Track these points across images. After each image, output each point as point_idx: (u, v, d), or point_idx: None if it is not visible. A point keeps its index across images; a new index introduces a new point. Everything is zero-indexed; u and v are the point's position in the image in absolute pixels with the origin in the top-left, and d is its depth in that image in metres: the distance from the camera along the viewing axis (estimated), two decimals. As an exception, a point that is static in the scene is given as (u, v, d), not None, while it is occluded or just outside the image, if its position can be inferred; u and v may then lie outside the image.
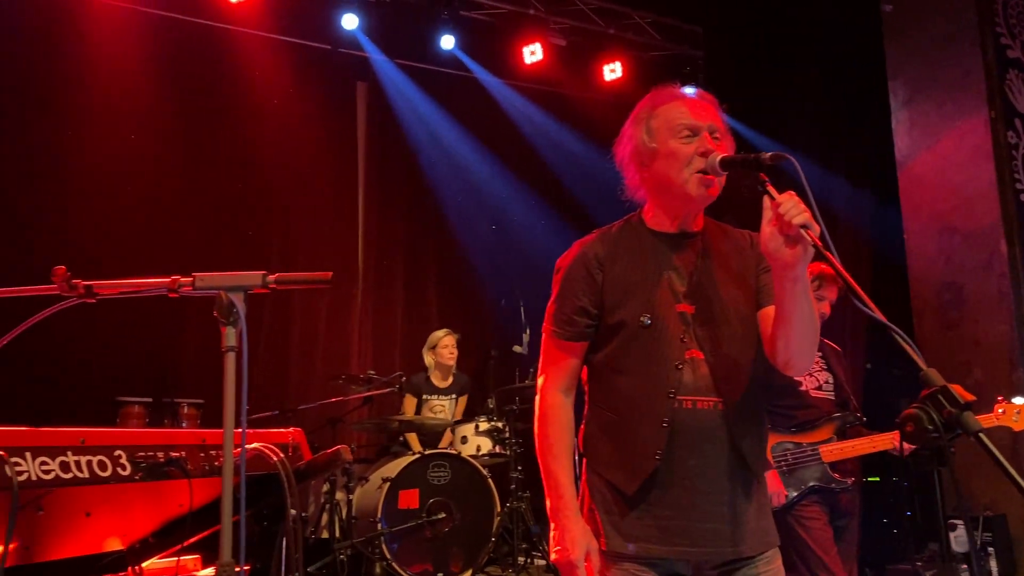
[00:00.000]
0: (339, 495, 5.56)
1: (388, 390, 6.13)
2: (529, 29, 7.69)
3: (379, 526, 5.22)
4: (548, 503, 2.24)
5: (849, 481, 3.81)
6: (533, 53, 7.67)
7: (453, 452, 5.69)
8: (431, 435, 6.29)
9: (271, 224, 7.11)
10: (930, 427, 1.54)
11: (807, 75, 7.20)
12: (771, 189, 1.98)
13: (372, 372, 6.10)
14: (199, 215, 6.60)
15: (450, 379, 6.61)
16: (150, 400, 5.77)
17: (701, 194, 2.18)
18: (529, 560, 5.90)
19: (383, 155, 7.75)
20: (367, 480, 5.60)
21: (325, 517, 5.65)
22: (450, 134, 7.68)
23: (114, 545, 1.76)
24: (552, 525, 2.21)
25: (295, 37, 7.19)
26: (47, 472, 1.23)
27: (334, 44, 7.35)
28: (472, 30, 7.63)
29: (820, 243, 1.90)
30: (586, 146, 7.63)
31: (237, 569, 1.52)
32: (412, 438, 6.21)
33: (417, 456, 5.48)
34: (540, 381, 2.33)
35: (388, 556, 5.20)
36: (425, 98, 7.62)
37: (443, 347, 6.50)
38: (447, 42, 7.47)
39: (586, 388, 2.34)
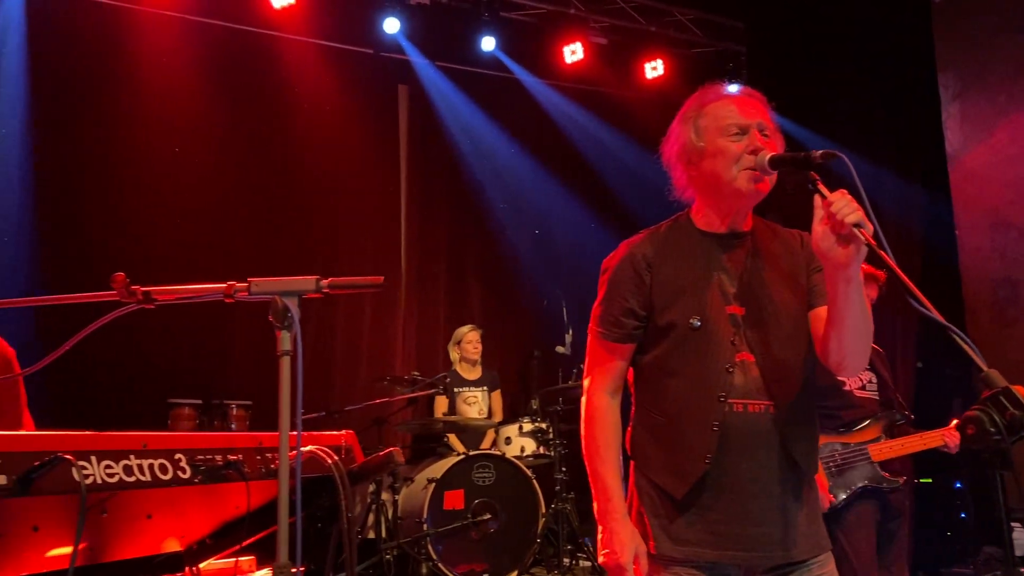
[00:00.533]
0: (385, 495, 5.61)
1: (433, 391, 6.17)
2: (569, 28, 7.67)
3: (425, 527, 5.25)
4: (595, 506, 2.23)
5: (900, 480, 3.75)
6: (574, 52, 7.65)
7: (497, 453, 5.71)
8: (472, 435, 6.32)
9: (315, 228, 7.18)
10: (992, 429, 1.51)
11: (852, 69, 7.07)
12: (822, 187, 1.95)
13: (416, 373, 6.15)
14: (245, 220, 6.71)
15: (478, 371, 6.70)
16: (200, 402, 5.89)
17: (751, 192, 2.15)
18: (574, 562, 5.89)
19: (425, 157, 7.79)
20: (412, 481, 5.63)
21: (371, 517, 5.70)
22: (491, 135, 7.69)
23: (172, 546, 1.79)
24: (600, 528, 2.20)
25: (337, 42, 7.26)
26: (111, 475, 1.26)
27: (376, 48, 7.40)
28: (512, 31, 7.63)
29: (874, 242, 1.87)
30: (628, 145, 7.59)
31: (293, 570, 1.54)
32: (454, 439, 6.25)
33: (462, 457, 5.50)
34: (586, 383, 2.32)
35: (434, 557, 5.23)
36: (466, 100, 7.65)
37: (467, 342, 6.64)
38: (487, 43, 7.48)
39: (632, 390, 2.33)
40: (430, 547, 5.23)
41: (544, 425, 6.05)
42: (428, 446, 6.63)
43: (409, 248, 7.65)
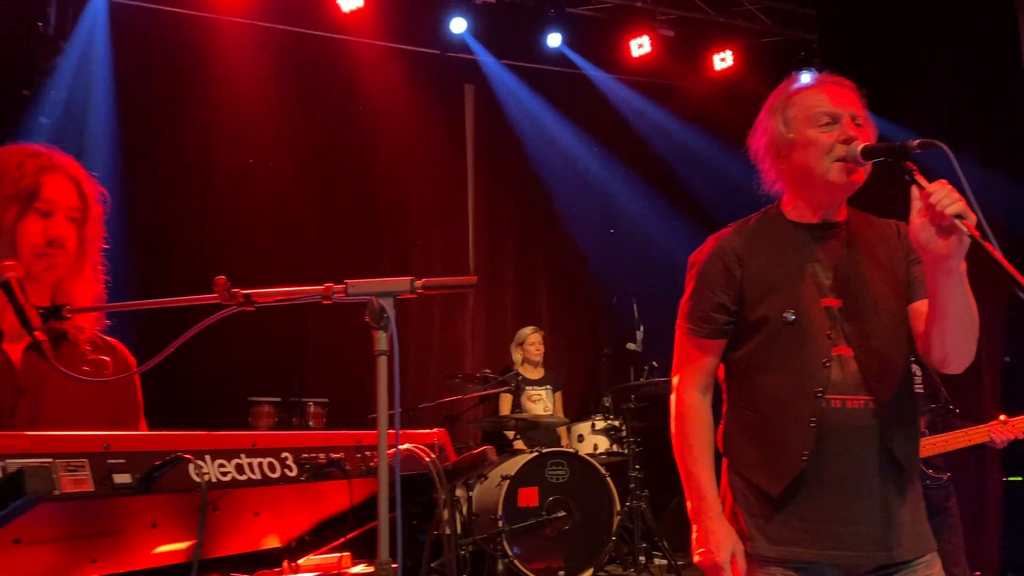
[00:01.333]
0: (459, 492, 5.65)
1: (504, 389, 6.19)
2: (636, 22, 7.60)
3: (500, 523, 5.27)
4: (689, 504, 2.21)
5: (944, 477, 3.65)
6: (641, 46, 7.59)
7: (571, 450, 5.70)
8: (542, 433, 6.32)
9: (384, 229, 7.29)
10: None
11: (929, 54, 6.84)
12: (920, 178, 1.89)
13: (487, 371, 6.18)
14: (316, 222, 6.86)
15: (540, 371, 6.72)
16: (279, 400, 6.04)
17: (844, 182, 2.10)
18: (650, 560, 5.85)
19: (491, 156, 7.82)
20: (486, 477, 5.66)
21: (446, 513, 5.75)
22: (559, 131, 7.68)
23: (272, 543, 1.83)
24: (694, 527, 2.18)
25: (405, 43, 7.35)
26: (225, 474, 1.29)
27: (443, 48, 7.46)
28: (578, 26, 7.60)
29: (978, 233, 1.81)
30: (699, 137, 7.49)
31: (394, 566, 1.56)
32: (510, 436, 6.27)
33: (535, 454, 5.51)
34: (675, 380, 2.30)
35: (510, 553, 5.24)
36: (533, 97, 7.65)
37: (530, 343, 6.67)
38: (554, 40, 7.48)
39: (723, 387, 2.30)
40: (506, 544, 5.25)
41: (617, 423, 6.02)
42: (498, 443, 6.66)
43: (477, 247, 7.70)
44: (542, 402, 6.57)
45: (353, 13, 6.84)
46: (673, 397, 2.29)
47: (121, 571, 1.49)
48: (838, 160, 2.09)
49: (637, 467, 5.85)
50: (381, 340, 1.67)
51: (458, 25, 7.22)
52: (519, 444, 6.12)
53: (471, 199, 7.76)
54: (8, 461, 1.05)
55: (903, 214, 2.15)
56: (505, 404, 6.47)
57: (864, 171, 2.11)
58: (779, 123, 2.21)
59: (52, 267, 1.90)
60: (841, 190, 2.14)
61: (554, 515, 5.41)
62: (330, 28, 6.96)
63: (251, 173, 6.54)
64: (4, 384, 1.83)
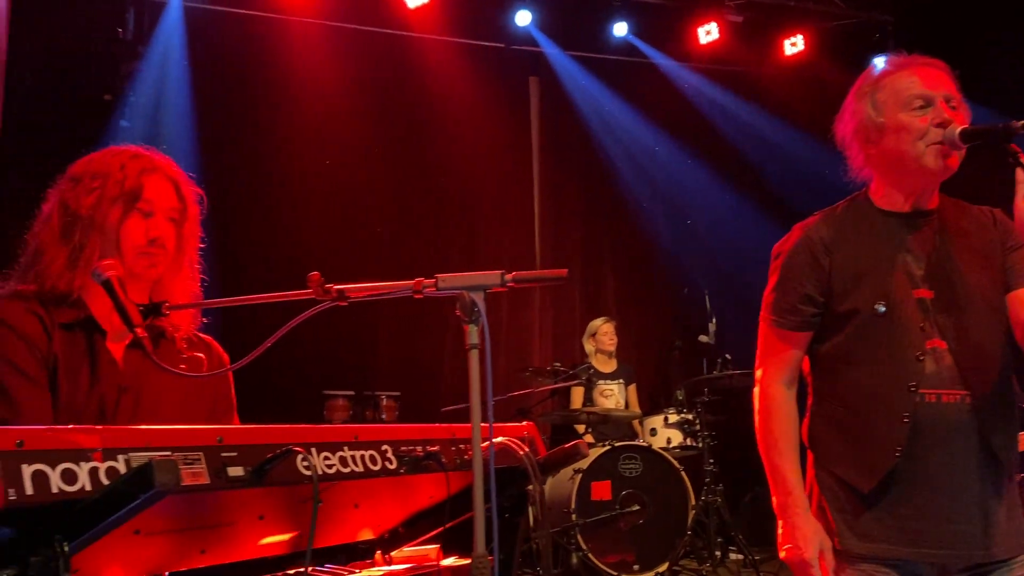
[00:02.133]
0: (531, 485, 5.65)
1: (576, 382, 6.18)
2: (703, 8, 7.48)
3: (573, 517, 5.26)
4: (774, 500, 2.16)
5: (1019, 478, 3.48)
6: (708, 33, 7.47)
7: (644, 444, 5.65)
8: (613, 427, 6.28)
9: (451, 222, 7.34)
10: None
11: (1011, 32, 6.56)
12: (1025, 160, 1.82)
13: (558, 364, 6.17)
14: (386, 217, 6.94)
15: (613, 363, 6.65)
16: (352, 393, 6.13)
17: (940, 168, 2.03)
18: (725, 555, 5.77)
19: (557, 148, 7.80)
20: (558, 471, 5.66)
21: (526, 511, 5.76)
22: (626, 121, 7.61)
23: (366, 535, 1.86)
24: (780, 522, 2.14)
25: (470, 38, 7.37)
26: (330, 466, 1.32)
27: (507, 42, 7.47)
28: (645, 15, 7.52)
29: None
30: (771, 124, 7.34)
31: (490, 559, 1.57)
32: (580, 428, 6.25)
33: (608, 448, 5.48)
34: (758, 373, 2.26)
35: (584, 547, 5.23)
36: (600, 87, 7.60)
37: (603, 334, 6.61)
38: (620, 29, 7.42)
39: (808, 380, 2.25)
40: (579, 537, 5.24)
41: (691, 416, 5.95)
42: (568, 437, 6.65)
43: (543, 239, 7.69)
44: (614, 397, 6.52)
45: (418, 9, 6.89)
46: (756, 390, 2.25)
47: (226, 562, 1.53)
48: (933, 144, 2.02)
49: (712, 461, 5.77)
50: (472, 334, 1.67)
51: (523, 18, 7.22)
52: (589, 438, 6.10)
53: (536, 191, 7.75)
54: (131, 455, 1.08)
55: (995, 200, 2.07)
56: (576, 397, 6.45)
57: (959, 156, 2.03)
58: (868, 107, 2.14)
59: (153, 265, 1.95)
60: (935, 176, 2.06)
61: (628, 509, 5.38)
62: (396, 25, 7.02)
63: (323, 171, 6.65)
64: (107, 382, 1.88)
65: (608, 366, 6.63)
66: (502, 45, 7.50)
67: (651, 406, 6.91)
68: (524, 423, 1.84)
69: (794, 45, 7.67)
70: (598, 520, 5.31)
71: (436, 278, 1.74)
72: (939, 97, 2.05)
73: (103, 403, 1.86)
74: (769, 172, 7.38)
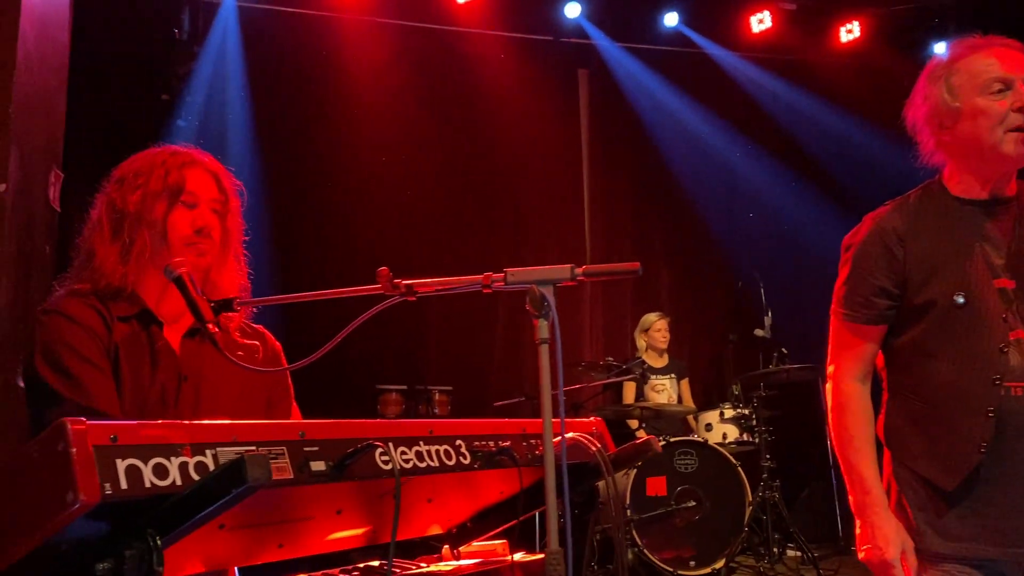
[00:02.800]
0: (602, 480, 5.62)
1: (628, 377, 6.13)
2: (756, -4, 7.37)
3: (628, 512, 5.22)
4: (851, 499, 2.12)
5: None
6: (761, 21, 7.34)
7: (699, 439, 5.59)
8: (666, 422, 6.22)
9: (501, 216, 7.34)
10: None
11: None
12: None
13: (610, 359, 6.12)
14: (436, 212, 6.95)
15: (665, 359, 6.60)
16: (405, 388, 6.17)
17: (1019, 154, 1.96)
18: (782, 551, 5.68)
19: (607, 140, 7.74)
20: (629, 466, 5.59)
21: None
22: (678, 112, 7.51)
23: (435, 530, 1.86)
24: (857, 522, 2.09)
25: (519, 32, 7.35)
26: (407, 461, 1.31)
27: (556, 34, 7.43)
28: (695, 4, 7.41)
29: None
30: (828, 112, 7.18)
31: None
32: (633, 424, 6.20)
33: (662, 443, 5.43)
34: (830, 369, 2.20)
35: (639, 542, 5.20)
36: (651, 78, 7.51)
37: (656, 330, 6.53)
38: (671, 19, 7.34)
39: (882, 375, 2.19)
40: (635, 533, 5.20)
41: (747, 411, 5.87)
42: (620, 432, 6.60)
43: (593, 232, 7.64)
44: (666, 392, 6.46)
45: (467, 4, 6.89)
46: (829, 386, 2.20)
47: (302, 555, 1.54)
48: (1013, 130, 1.95)
49: (769, 457, 5.69)
50: (542, 328, 1.65)
51: (572, 10, 7.18)
52: (641, 434, 6.05)
53: (586, 184, 7.70)
54: (218, 449, 1.09)
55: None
56: (628, 392, 6.40)
57: None
58: (942, 91, 2.07)
59: (201, 255, 1.98)
60: (1015, 162, 2.00)
61: (683, 505, 5.33)
62: (445, 20, 7.04)
63: (376, 167, 6.69)
64: (167, 371, 1.91)
65: (660, 361, 6.57)
66: (550, 38, 7.47)
67: (704, 401, 6.83)
68: (592, 419, 1.82)
69: (850, 32, 7.50)
70: (653, 516, 5.27)
71: (505, 272, 1.73)
72: (1018, 80, 1.98)
73: (164, 392, 1.89)
74: (826, 161, 7.22)
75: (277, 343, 2.16)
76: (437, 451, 1.41)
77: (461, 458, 1.45)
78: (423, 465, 1.36)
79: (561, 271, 1.66)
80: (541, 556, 1.88)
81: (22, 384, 1.97)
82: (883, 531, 2.00)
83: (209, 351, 2.01)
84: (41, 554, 1.01)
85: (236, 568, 1.91)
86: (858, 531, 2.08)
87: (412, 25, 6.95)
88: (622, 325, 7.50)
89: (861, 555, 2.07)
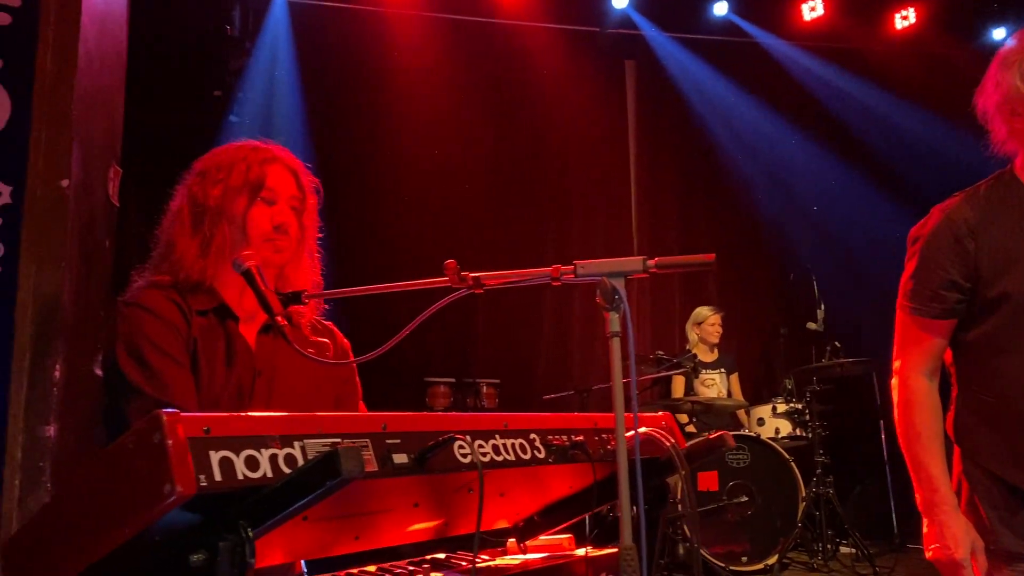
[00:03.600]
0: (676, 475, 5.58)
1: (680, 371, 6.07)
2: (807, -16, 7.23)
3: (679, 507, 5.18)
4: (918, 497, 2.06)
5: None
6: (813, 9, 7.21)
7: (752, 434, 5.52)
8: (716, 417, 6.15)
9: (547, 209, 7.32)
10: None
11: None
12: None
13: (661, 352, 6.07)
14: (482, 204, 6.95)
15: (715, 353, 6.52)
16: (453, 380, 6.19)
17: None
18: (835, 548, 5.59)
19: (655, 131, 7.68)
20: (703, 461, 5.55)
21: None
22: (728, 102, 7.42)
23: (502, 523, 1.85)
24: (925, 521, 2.04)
25: (565, 23, 7.31)
26: (484, 455, 1.30)
27: (602, 25, 7.37)
28: (746, -7, 7.32)
29: None
30: (883, 101, 7.02)
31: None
32: (683, 419, 6.13)
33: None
34: (897, 364, 2.14)
35: (690, 537, 5.15)
36: (700, 67, 7.42)
37: (709, 324, 6.46)
38: (720, 8, 7.24)
39: (951, 370, 2.13)
40: (686, 527, 5.16)
41: (800, 406, 5.77)
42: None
43: (640, 225, 7.58)
44: (716, 387, 6.38)
45: (514, -5, 6.89)
46: (895, 382, 2.14)
47: (376, 547, 1.55)
48: (1093, 117, 1.87)
49: (823, 452, 5.59)
50: (613, 321, 1.63)
51: (620, 0, 7.12)
52: (690, 428, 5.99)
53: (633, 176, 7.65)
54: (306, 442, 1.09)
55: None
56: (678, 386, 6.34)
57: None
58: (1015, 78, 2.00)
59: (279, 251, 1.99)
60: None
61: (735, 500, 5.27)
62: (492, 13, 7.02)
63: (426, 160, 6.71)
64: (243, 365, 1.93)
65: (710, 355, 6.50)
66: (597, 29, 7.41)
67: (752, 396, 6.74)
68: (660, 413, 1.80)
69: (905, 19, 7.33)
70: (705, 510, 5.22)
71: (575, 264, 1.71)
72: None
73: (240, 387, 1.91)
74: (881, 151, 7.06)
75: (346, 341, 2.17)
76: (512, 445, 1.40)
77: (536, 452, 1.44)
78: (500, 459, 1.35)
79: (632, 263, 1.63)
80: (612, 551, 1.87)
81: (99, 372, 2.00)
82: (952, 530, 1.95)
83: (283, 347, 2.02)
84: (134, 545, 1.01)
85: (303, 561, 1.93)
86: (925, 530, 2.03)
87: (460, 19, 6.95)
88: (669, 318, 7.43)
89: (928, 554, 2.02)
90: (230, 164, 1.98)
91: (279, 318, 1.82)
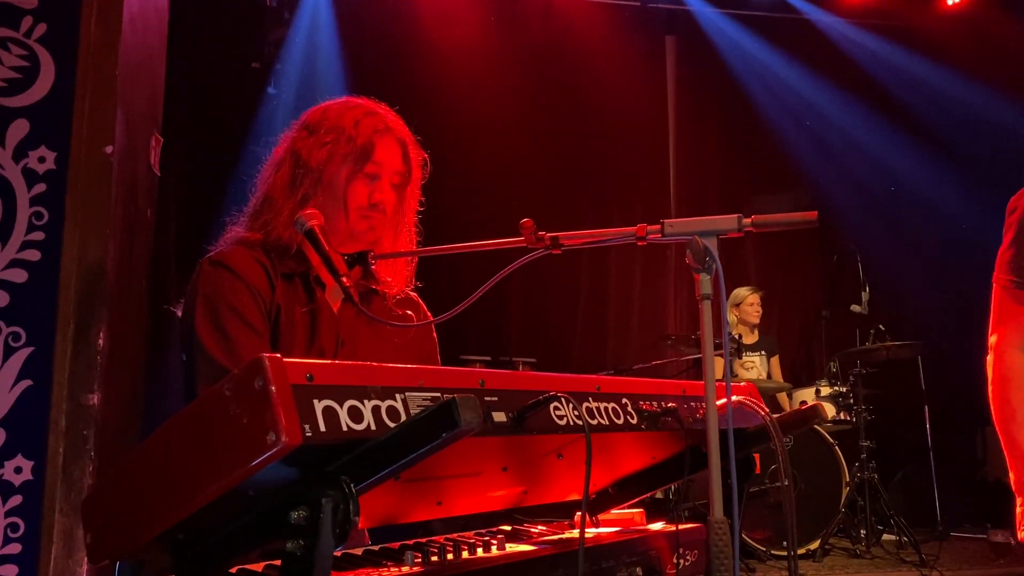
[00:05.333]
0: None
1: (719, 352, 5.95)
2: (857, -42, 7.04)
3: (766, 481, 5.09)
4: (1012, 476, 1.97)
5: None
6: (864, -17, 7.02)
7: (795, 417, 5.40)
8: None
9: (586, 185, 7.22)
10: None
11: None
12: None
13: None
14: (523, 179, 6.86)
15: (755, 335, 6.39)
16: (489, 359, 6.12)
17: None
18: (878, 535, 5.47)
19: (695, 107, 7.54)
20: (796, 433, 5.46)
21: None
22: (771, 77, 7.24)
23: (573, 496, 1.77)
24: (1018, 500, 1.94)
25: (606, -2, 7.19)
26: (578, 418, 1.22)
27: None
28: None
29: None
30: (935, 75, 6.82)
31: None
32: None
33: (754, 420, 5.26)
34: (993, 340, 2.05)
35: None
36: (743, 40, 7.25)
37: (748, 305, 6.30)
38: (767, -17, 7.07)
39: None
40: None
41: (844, 389, 5.64)
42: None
43: (678, 201, 7.45)
44: (755, 369, 6.26)
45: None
46: (990, 358, 2.04)
47: (457, 514, 1.48)
48: None
49: (868, 437, 5.46)
50: (705, 283, 1.55)
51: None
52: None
53: (672, 151, 7.52)
54: (407, 394, 1.02)
55: None
56: (717, 368, 6.22)
57: None
58: None
59: (371, 228, 1.93)
60: None
61: (777, 483, 5.16)
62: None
63: (464, 131, 6.62)
64: (328, 333, 1.88)
65: (751, 337, 6.37)
66: (637, 3, 7.27)
67: (791, 379, 6.62)
68: (744, 383, 1.71)
69: (957, -6, 7.12)
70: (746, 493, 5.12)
71: (662, 223, 1.63)
72: None
73: (323, 355, 1.85)
74: (933, 128, 6.84)
75: (429, 314, 2.12)
76: (605, 408, 1.32)
77: (628, 417, 1.36)
78: (594, 423, 1.27)
79: (726, 221, 1.54)
80: (693, 526, 1.79)
81: (179, 313, 1.93)
82: (1049, 512, 1.85)
83: (366, 318, 1.96)
84: (228, 500, 0.95)
85: (367, 529, 1.87)
86: (1018, 510, 1.93)
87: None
88: (708, 298, 7.31)
89: (1021, 536, 1.93)
90: (340, 128, 1.90)
91: (345, 279, 1.75)
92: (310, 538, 0.91)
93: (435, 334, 2.11)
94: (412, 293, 2.12)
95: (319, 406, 0.91)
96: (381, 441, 0.92)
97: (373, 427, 0.95)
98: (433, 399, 1.03)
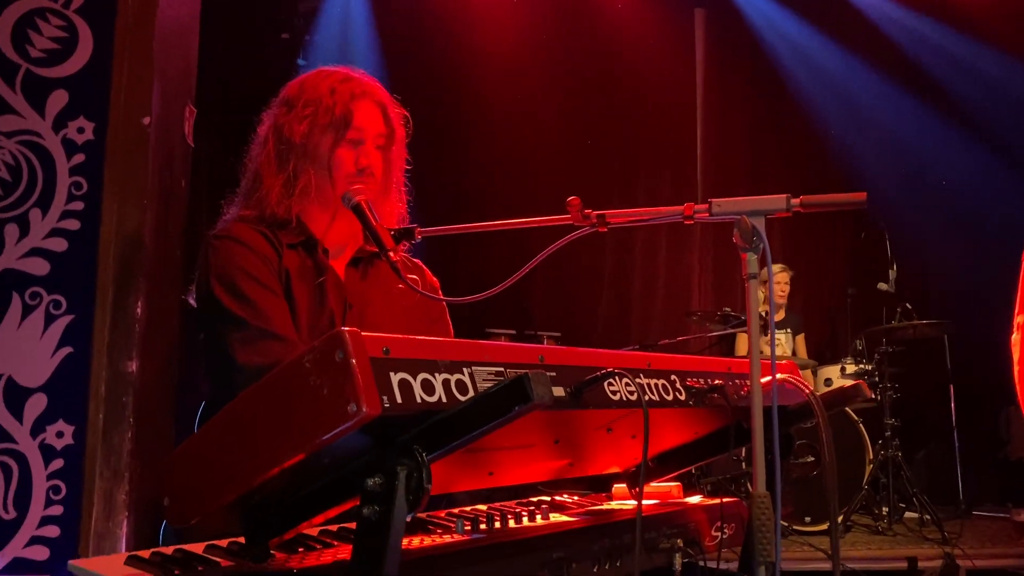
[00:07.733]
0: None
1: (745, 328, 5.96)
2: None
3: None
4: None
5: None
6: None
7: (819, 394, 5.41)
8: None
9: (613, 160, 7.21)
10: None
11: None
12: None
13: (728, 309, 5.95)
14: (550, 154, 6.86)
15: (782, 312, 6.37)
16: (514, 332, 6.16)
17: None
18: (901, 513, 5.49)
19: (723, 82, 7.48)
20: (837, 410, 5.46)
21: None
22: (803, 50, 7.14)
23: (613, 468, 1.81)
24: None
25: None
26: (631, 393, 1.25)
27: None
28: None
29: None
30: (970, 51, 6.70)
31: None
32: None
33: (780, 397, 5.28)
34: (1020, 319, 2.05)
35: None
36: (773, 13, 7.16)
37: (776, 282, 6.25)
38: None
39: None
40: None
41: (869, 367, 5.63)
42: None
43: (705, 177, 7.42)
44: (781, 347, 6.25)
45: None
46: (1016, 337, 2.05)
47: (506, 484, 1.52)
48: None
49: (893, 415, 5.47)
50: (752, 263, 1.57)
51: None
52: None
53: (700, 127, 7.46)
54: (474, 368, 1.05)
55: None
56: (742, 345, 6.24)
57: None
58: None
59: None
60: None
61: (801, 459, 5.19)
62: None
63: (494, 107, 6.63)
64: (335, 297, 1.92)
65: (777, 314, 6.35)
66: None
67: (816, 357, 6.61)
68: (786, 361, 1.73)
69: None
70: (770, 469, 5.15)
71: (710, 203, 1.65)
72: None
73: (332, 319, 1.90)
74: (968, 105, 6.73)
75: (435, 278, 2.15)
76: (655, 384, 1.35)
77: (677, 393, 1.39)
78: (646, 399, 1.30)
79: (774, 201, 1.56)
80: (731, 500, 1.82)
81: (193, 302, 1.99)
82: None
83: (372, 281, 2.02)
84: (304, 466, 0.99)
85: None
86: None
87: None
88: (732, 275, 7.29)
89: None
90: (317, 99, 1.93)
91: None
92: (386, 504, 0.95)
93: (440, 294, 2.13)
94: (416, 259, 2.14)
95: (395, 378, 0.94)
96: (455, 412, 0.96)
97: (444, 399, 0.99)
98: (497, 373, 1.07)
